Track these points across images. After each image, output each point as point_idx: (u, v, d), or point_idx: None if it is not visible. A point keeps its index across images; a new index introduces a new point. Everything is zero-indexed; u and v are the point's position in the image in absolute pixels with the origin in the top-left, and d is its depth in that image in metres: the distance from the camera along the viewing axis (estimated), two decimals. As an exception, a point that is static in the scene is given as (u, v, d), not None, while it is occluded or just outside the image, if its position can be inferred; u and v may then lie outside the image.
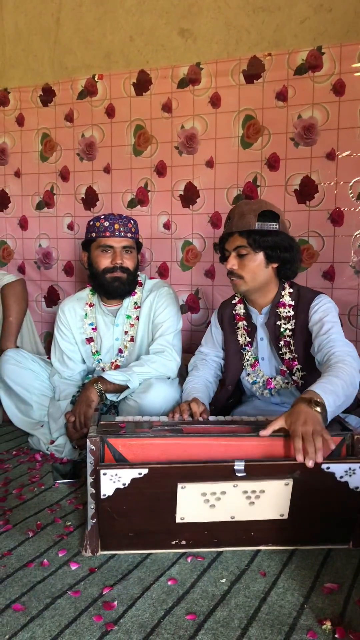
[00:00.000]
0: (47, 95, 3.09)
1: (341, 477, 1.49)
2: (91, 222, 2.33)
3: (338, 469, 1.48)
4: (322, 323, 1.88)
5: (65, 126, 3.07)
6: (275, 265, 1.98)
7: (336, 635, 1.21)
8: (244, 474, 1.47)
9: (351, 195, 2.47)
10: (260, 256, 1.95)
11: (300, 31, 2.50)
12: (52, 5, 3.02)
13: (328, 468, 1.48)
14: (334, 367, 1.68)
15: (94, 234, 2.30)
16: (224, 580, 1.43)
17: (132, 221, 2.34)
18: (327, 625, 1.24)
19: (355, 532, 1.56)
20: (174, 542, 1.54)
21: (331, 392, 1.57)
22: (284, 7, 2.51)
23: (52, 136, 3.12)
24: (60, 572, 1.47)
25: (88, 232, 2.34)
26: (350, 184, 2.47)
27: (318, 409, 1.52)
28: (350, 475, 1.49)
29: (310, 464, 1.41)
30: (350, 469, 1.49)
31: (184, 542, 1.54)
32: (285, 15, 2.51)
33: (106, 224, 2.27)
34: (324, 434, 1.46)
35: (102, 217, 2.30)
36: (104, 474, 1.45)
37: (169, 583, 1.41)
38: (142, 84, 2.85)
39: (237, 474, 1.47)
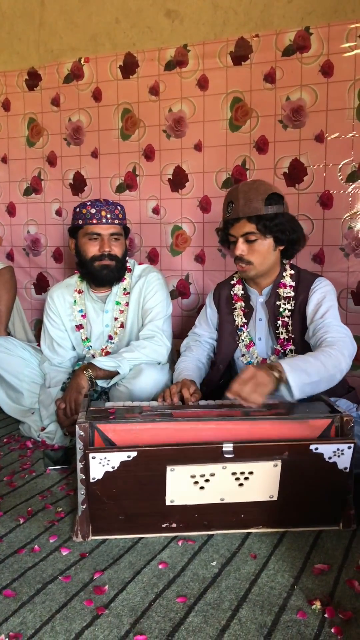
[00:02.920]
0: (33, 80, 3.04)
1: (330, 457, 1.50)
2: (77, 209, 2.30)
3: (327, 450, 1.49)
4: (319, 306, 1.90)
5: (51, 111, 3.03)
6: (282, 247, 1.99)
7: (326, 615, 1.22)
8: (232, 456, 1.48)
9: (340, 178, 2.45)
10: (269, 241, 1.95)
11: (287, 11, 2.47)
12: (36, -14, 2.97)
13: (317, 449, 1.49)
14: (320, 350, 1.71)
15: (80, 221, 2.28)
16: (214, 563, 1.43)
17: (119, 207, 2.31)
18: (317, 605, 1.25)
19: (344, 513, 1.57)
20: (164, 526, 1.54)
21: (300, 370, 1.58)
22: (271, -13, 2.47)
23: (38, 121, 3.07)
24: (51, 557, 1.47)
25: (75, 219, 2.31)
26: (340, 166, 2.45)
27: (275, 373, 1.56)
28: (338, 456, 1.50)
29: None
30: (338, 449, 1.49)
31: (174, 526, 1.54)
32: (273, -5, 2.48)
33: (93, 210, 2.25)
34: (257, 399, 1.51)
35: (88, 203, 2.28)
36: (93, 458, 1.45)
37: (160, 567, 1.42)
38: (129, 67, 2.81)
39: (225, 456, 1.48)
